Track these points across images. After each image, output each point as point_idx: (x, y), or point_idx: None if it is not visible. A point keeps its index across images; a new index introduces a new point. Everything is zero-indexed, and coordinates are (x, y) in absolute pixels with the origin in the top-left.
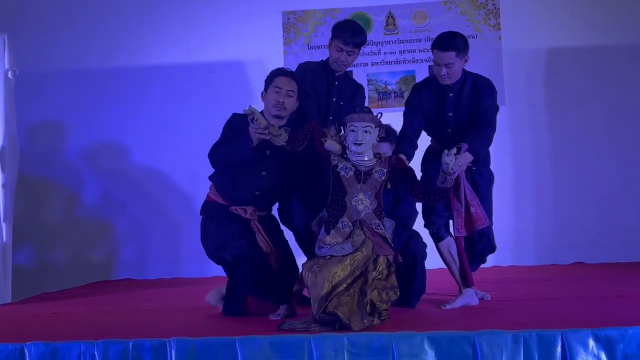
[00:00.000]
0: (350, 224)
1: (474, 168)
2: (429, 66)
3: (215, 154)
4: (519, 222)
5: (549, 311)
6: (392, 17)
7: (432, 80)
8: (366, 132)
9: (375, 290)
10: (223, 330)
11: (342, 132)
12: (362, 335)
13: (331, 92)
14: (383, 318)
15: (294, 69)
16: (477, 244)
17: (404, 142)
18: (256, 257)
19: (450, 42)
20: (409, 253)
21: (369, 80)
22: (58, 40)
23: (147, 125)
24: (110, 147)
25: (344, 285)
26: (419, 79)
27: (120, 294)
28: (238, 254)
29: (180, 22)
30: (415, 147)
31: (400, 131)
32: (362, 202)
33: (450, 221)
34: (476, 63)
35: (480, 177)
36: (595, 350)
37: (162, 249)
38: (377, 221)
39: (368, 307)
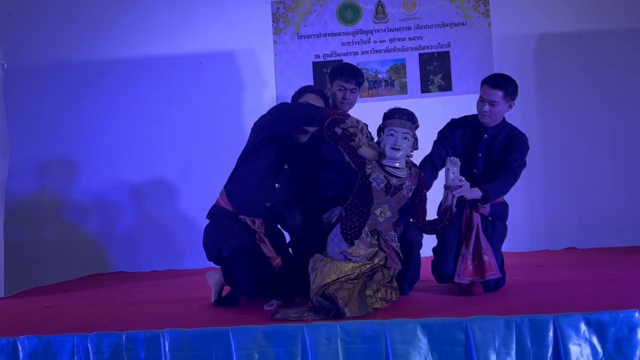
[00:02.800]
0: (369, 232)
1: (489, 218)
2: (419, 54)
3: (286, 104)
4: (511, 208)
5: (541, 296)
6: (381, 5)
7: (471, 120)
8: (405, 138)
9: (383, 288)
10: (216, 320)
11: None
12: (355, 323)
13: None
14: (377, 307)
15: (284, 58)
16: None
17: (427, 166)
18: (254, 255)
19: (502, 82)
20: (406, 241)
21: None
22: (45, 33)
23: (138, 117)
24: (101, 140)
25: (346, 277)
26: (409, 67)
27: (113, 286)
28: (235, 250)
29: (169, 13)
30: (436, 176)
31: (426, 156)
32: (384, 213)
33: None
34: (466, 50)
35: (494, 230)
36: (587, 334)
37: (156, 242)
38: (393, 233)
39: (368, 300)
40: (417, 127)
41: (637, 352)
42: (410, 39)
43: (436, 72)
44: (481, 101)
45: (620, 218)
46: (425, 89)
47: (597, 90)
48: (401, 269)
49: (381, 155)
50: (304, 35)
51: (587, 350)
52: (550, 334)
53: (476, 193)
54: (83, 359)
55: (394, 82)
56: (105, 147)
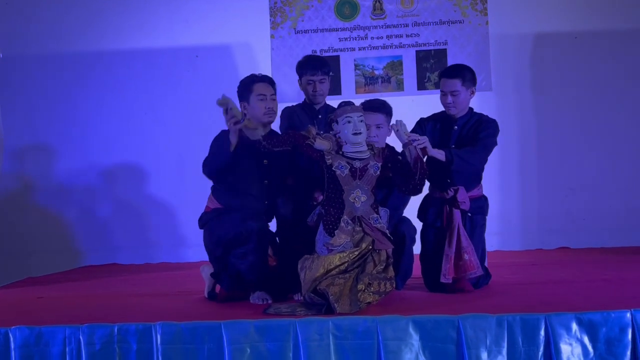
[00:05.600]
0: (350, 220)
1: (469, 214)
2: (416, 51)
3: (205, 167)
4: (505, 207)
5: (533, 295)
6: (379, 1)
7: (439, 115)
8: (362, 121)
9: (377, 281)
10: (208, 314)
11: (332, 129)
12: (347, 319)
13: (319, 125)
14: (369, 301)
15: (281, 53)
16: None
17: None
18: (266, 241)
19: (457, 71)
20: (399, 235)
21: (355, 65)
22: (40, 24)
23: (133, 109)
24: (95, 132)
25: (337, 270)
26: (406, 64)
27: (105, 278)
28: (252, 231)
29: (166, 5)
30: None
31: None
32: (359, 198)
33: None
34: (463, 48)
35: (473, 226)
36: (578, 333)
37: (149, 234)
38: (375, 215)
39: (360, 295)
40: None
41: (628, 353)
42: (407, 35)
43: (433, 69)
44: (443, 95)
45: (614, 218)
46: (421, 86)
47: (592, 90)
48: (393, 247)
49: (339, 145)
50: (301, 30)
51: (578, 349)
52: (542, 332)
53: (439, 153)
54: (74, 350)
55: (390, 78)
56: (100, 138)
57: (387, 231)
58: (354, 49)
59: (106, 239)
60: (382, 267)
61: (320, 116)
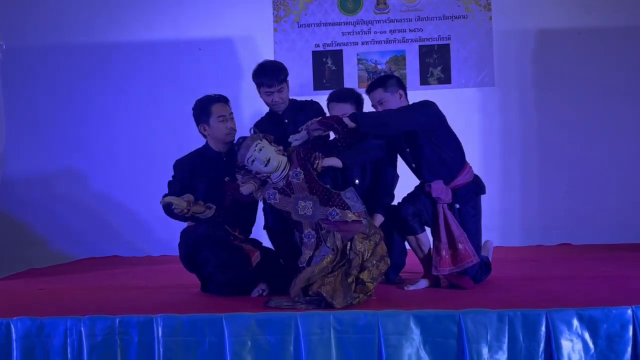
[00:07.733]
0: (313, 231)
1: (457, 206)
2: (419, 46)
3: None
4: (506, 202)
5: (534, 291)
6: None
7: None
8: (261, 149)
9: (366, 270)
10: (209, 307)
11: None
12: (348, 313)
13: (287, 129)
14: (369, 294)
15: (284, 47)
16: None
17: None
18: (222, 241)
19: (376, 83)
20: (388, 226)
21: (358, 60)
22: (43, 16)
23: (134, 101)
24: (98, 124)
25: (321, 274)
26: (409, 58)
27: (107, 270)
28: (196, 237)
29: None
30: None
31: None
32: (306, 207)
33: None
34: (466, 43)
35: (461, 217)
36: (579, 329)
37: (149, 227)
38: (330, 209)
39: (353, 286)
40: (252, 130)
41: (629, 349)
42: (410, 30)
43: (436, 64)
44: (374, 108)
45: (615, 215)
46: (424, 81)
47: (595, 86)
48: (363, 227)
49: (263, 181)
50: (305, 24)
51: (578, 345)
52: (543, 328)
53: (345, 119)
54: (76, 342)
55: (393, 73)
56: (101, 130)
57: (349, 217)
58: (357, 43)
59: (107, 231)
60: (370, 247)
61: (286, 120)
